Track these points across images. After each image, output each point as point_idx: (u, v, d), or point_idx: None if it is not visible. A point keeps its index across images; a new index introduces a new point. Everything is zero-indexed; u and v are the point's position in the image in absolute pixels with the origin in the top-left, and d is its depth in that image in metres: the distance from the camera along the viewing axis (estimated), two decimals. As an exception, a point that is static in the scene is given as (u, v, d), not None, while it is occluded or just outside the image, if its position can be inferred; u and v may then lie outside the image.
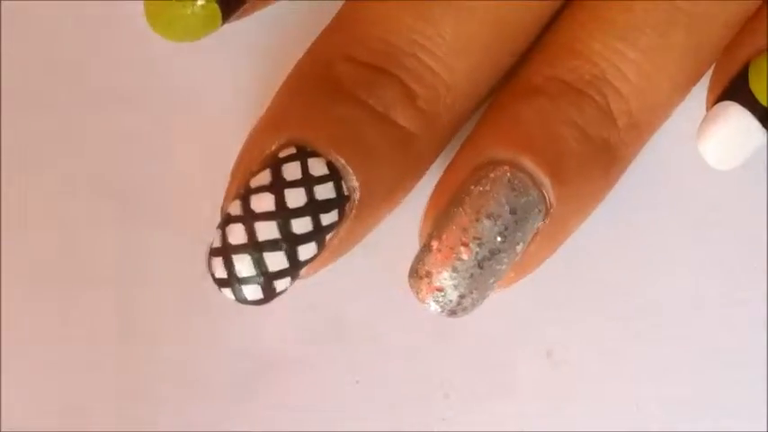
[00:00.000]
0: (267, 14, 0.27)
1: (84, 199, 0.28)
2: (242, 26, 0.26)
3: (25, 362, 0.28)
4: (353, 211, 0.24)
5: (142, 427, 0.28)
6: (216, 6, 0.24)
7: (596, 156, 0.25)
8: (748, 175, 0.28)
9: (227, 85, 0.28)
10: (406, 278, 0.25)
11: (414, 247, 0.25)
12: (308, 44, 0.26)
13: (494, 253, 0.24)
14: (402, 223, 0.26)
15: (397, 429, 0.28)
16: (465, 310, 0.24)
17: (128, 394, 0.28)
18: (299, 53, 0.26)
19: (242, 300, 0.24)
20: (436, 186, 0.25)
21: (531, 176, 0.24)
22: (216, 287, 0.24)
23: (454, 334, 0.28)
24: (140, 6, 0.24)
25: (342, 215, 0.24)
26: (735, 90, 0.24)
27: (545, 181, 0.24)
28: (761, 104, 0.24)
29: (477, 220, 0.24)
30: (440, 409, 0.28)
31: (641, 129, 0.25)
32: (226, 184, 0.25)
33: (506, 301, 0.27)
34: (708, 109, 0.25)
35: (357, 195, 0.24)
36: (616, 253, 0.28)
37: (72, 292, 0.28)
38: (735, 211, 0.28)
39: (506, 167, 0.24)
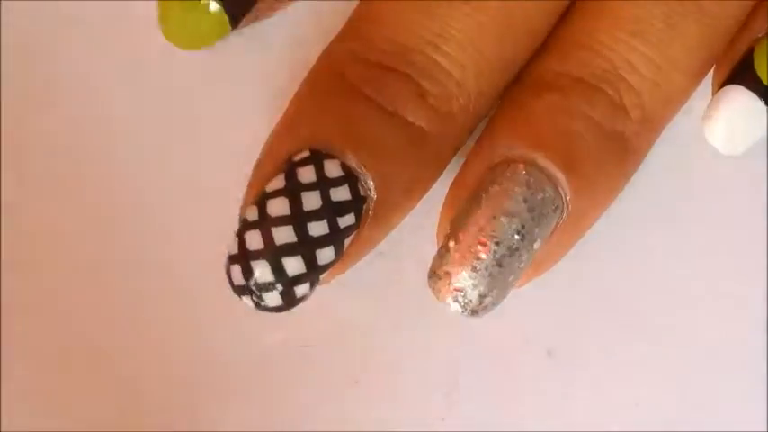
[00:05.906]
0: (287, 19, 0.27)
1: (90, 202, 0.28)
2: (265, 30, 0.26)
3: (25, 361, 0.28)
4: (371, 212, 0.24)
5: (142, 427, 0.28)
6: (223, 13, 0.24)
7: (611, 149, 0.25)
8: (748, 174, 0.28)
9: (247, 90, 0.28)
10: (407, 278, 0.25)
11: (415, 246, 0.25)
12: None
13: (512, 251, 0.24)
14: (403, 223, 0.26)
15: (397, 429, 0.28)
16: (486, 308, 0.24)
17: (128, 394, 0.28)
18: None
19: (262, 307, 0.23)
20: (451, 186, 0.25)
21: (546, 173, 0.24)
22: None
23: (454, 334, 0.28)
24: (150, 9, 0.25)
25: (359, 217, 0.24)
26: (739, 74, 0.25)
27: (560, 176, 0.24)
28: (765, 87, 0.24)
29: (495, 219, 0.24)
30: (440, 409, 0.28)
31: (655, 121, 0.25)
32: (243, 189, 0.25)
33: (507, 300, 0.27)
34: (713, 94, 0.25)
35: (373, 196, 0.24)
36: (616, 253, 0.28)
37: (72, 292, 0.28)
38: (734, 209, 0.28)
39: (521, 165, 0.24)
